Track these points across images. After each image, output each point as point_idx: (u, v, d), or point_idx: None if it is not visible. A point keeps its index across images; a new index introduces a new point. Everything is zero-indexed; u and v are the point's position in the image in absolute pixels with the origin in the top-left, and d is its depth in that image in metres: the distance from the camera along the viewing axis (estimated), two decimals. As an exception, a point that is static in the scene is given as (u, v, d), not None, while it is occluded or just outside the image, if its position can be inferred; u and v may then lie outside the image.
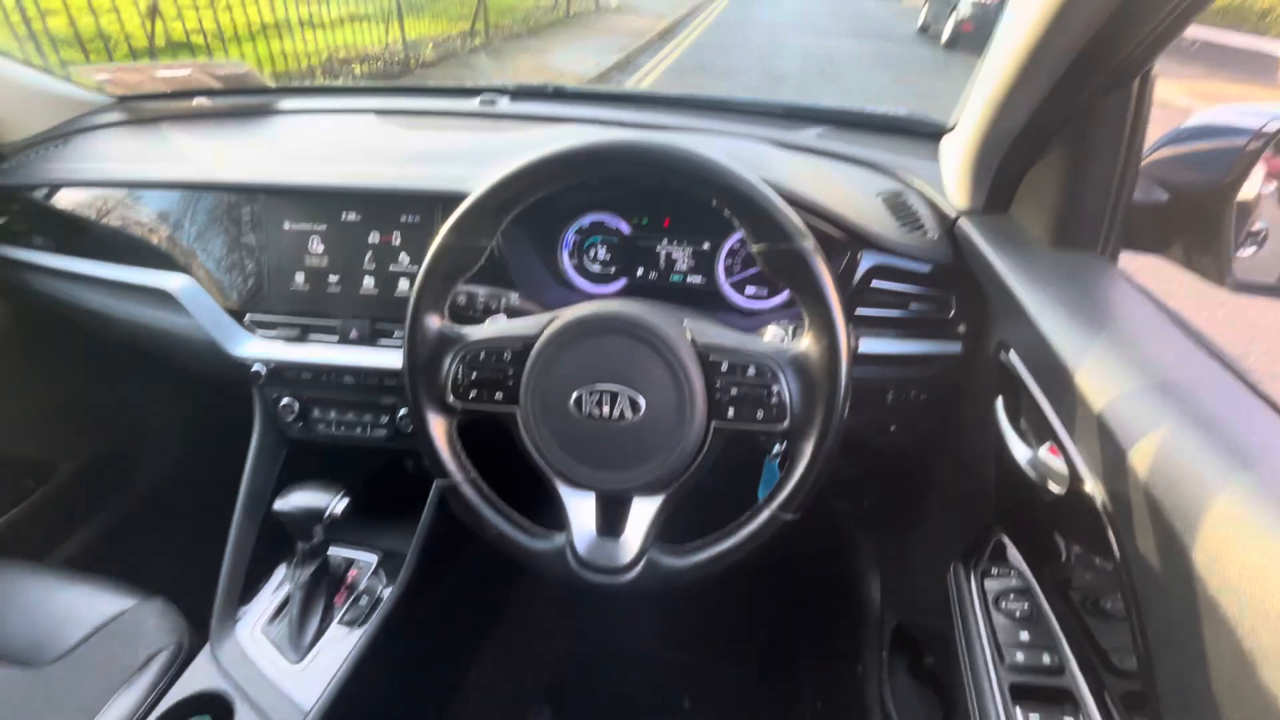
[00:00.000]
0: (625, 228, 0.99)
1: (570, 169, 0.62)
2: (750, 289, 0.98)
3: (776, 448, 0.80)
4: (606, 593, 0.67)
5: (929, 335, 0.86)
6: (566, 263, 1.01)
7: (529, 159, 0.62)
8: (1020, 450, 0.68)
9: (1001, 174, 0.80)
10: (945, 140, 1.04)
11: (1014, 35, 0.65)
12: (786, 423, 0.62)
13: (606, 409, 0.64)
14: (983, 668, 0.66)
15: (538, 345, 0.65)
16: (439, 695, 1.20)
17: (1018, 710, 0.61)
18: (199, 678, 0.85)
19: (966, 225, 0.83)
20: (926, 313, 0.86)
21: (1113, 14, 0.56)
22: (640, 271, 1.00)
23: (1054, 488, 0.61)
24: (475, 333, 0.69)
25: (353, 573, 1.00)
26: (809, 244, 0.59)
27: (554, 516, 0.70)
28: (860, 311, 0.87)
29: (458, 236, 0.65)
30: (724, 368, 0.63)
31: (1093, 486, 0.54)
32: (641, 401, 0.63)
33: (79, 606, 0.93)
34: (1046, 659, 0.64)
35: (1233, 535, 0.39)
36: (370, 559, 1.02)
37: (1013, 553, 0.75)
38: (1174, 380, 0.52)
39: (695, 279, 0.99)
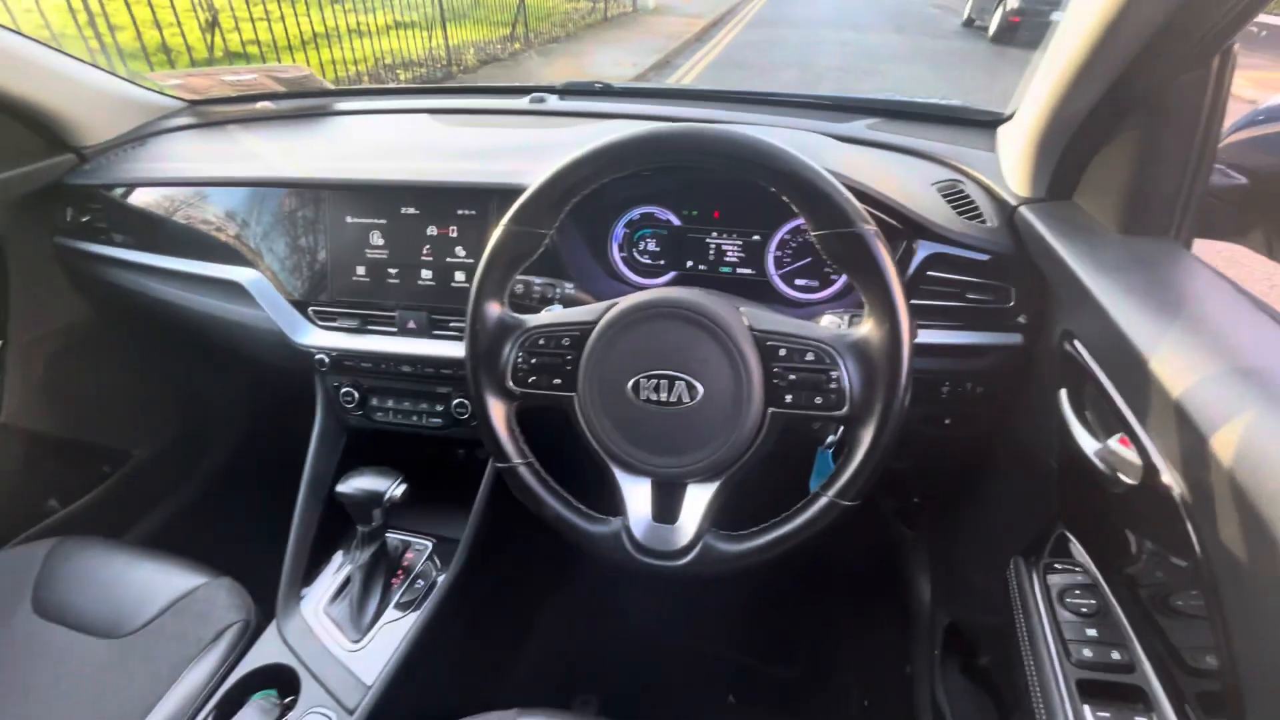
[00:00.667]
0: (675, 220, 1.00)
1: (632, 156, 0.63)
2: (800, 281, 0.98)
3: (830, 438, 0.79)
4: (661, 577, 0.68)
5: (987, 326, 0.85)
6: (616, 255, 1.02)
7: (591, 147, 0.63)
8: (1087, 442, 0.66)
9: (1066, 160, 0.78)
10: (1002, 129, 1.02)
11: (1086, 11, 0.63)
12: (845, 409, 0.62)
13: (664, 394, 0.64)
14: (1047, 664, 0.64)
15: (596, 331, 0.67)
16: (488, 679, 1.22)
17: (1086, 708, 0.60)
18: (266, 652, 0.89)
19: (1028, 213, 0.81)
20: (985, 303, 0.84)
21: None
22: (690, 264, 1.00)
23: (1126, 479, 0.59)
24: (534, 320, 0.70)
25: (408, 556, 1.03)
26: (870, 228, 0.59)
27: (609, 502, 0.71)
28: (916, 302, 0.86)
29: (520, 224, 0.67)
30: (782, 353, 0.63)
31: (1169, 477, 0.52)
32: (699, 387, 0.64)
33: (153, 583, 0.98)
34: (1116, 655, 0.62)
35: None
36: (424, 544, 1.05)
37: (1076, 548, 0.73)
38: (1257, 365, 0.50)
39: (745, 271, 0.99)
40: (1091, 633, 0.64)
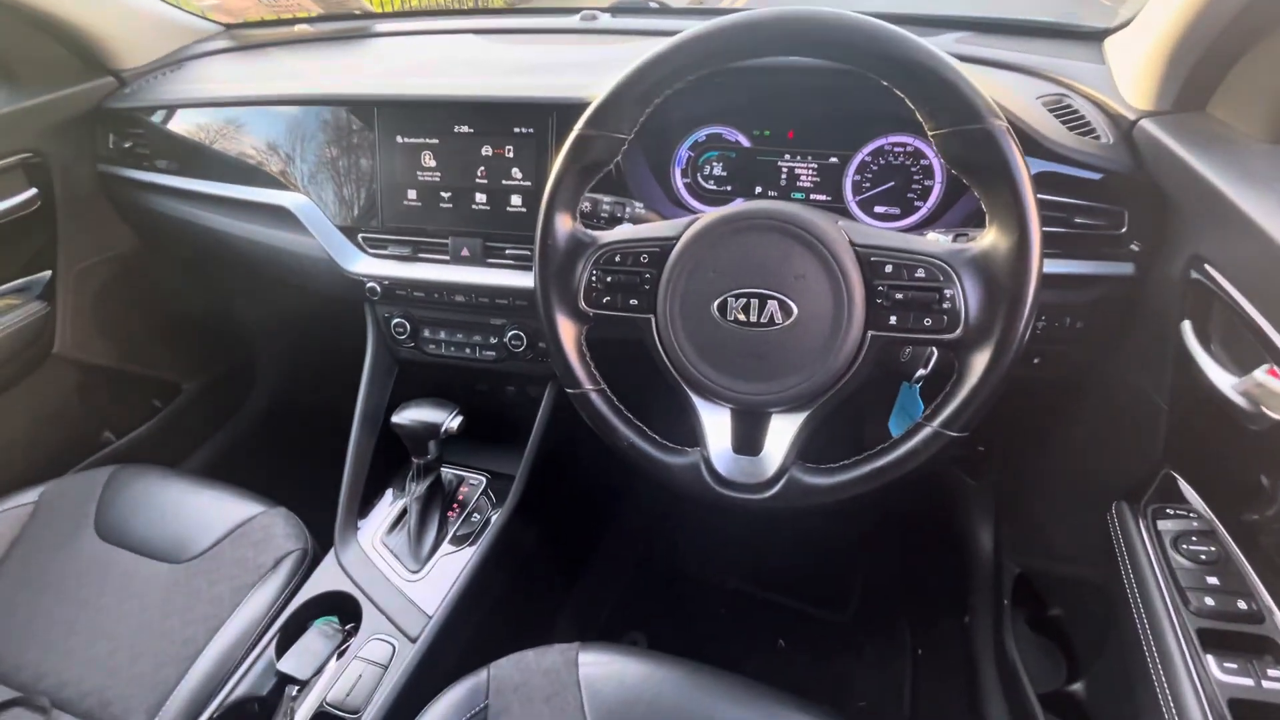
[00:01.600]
0: (744, 141, 0.93)
1: (726, 47, 0.56)
2: (879, 208, 0.90)
3: (920, 371, 0.73)
4: (743, 510, 0.64)
5: (1095, 255, 0.77)
6: (679, 180, 0.96)
7: (679, 38, 0.57)
8: (1220, 377, 0.59)
9: (1202, 67, 0.69)
10: (1112, 40, 0.92)
11: None
12: (958, 331, 0.56)
13: (754, 315, 0.59)
14: (1162, 613, 0.60)
15: (679, 245, 0.61)
16: (540, 615, 1.22)
17: (1209, 658, 0.55)
18: (326, 580, 0.89)
19: (1151, 127, 0.72)
20: (1094, 228, 0.76)
21: None
22: (758, 189, 0.94)
23: (1273, 415, 0.53)
24: (610, 235, 0.65)
25: (463, 490, 1.01)
26: (1002, 123, 0.52)
27: (683, 432, 0.67)
28: None
29: (597, 128, 0.61)
30: (888, 269, 0.57)
31: None
32: (793, 306, 0.59)
33: (211, 510, 0.98)
34: (1242, 605, 0.57)
35: None
36: (478, 479, 1.04)
37: (1188, 491, 0.67)
38: None
39: (820, 197, 0.92)
40: (1212, 580, 0.59)
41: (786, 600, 1.37)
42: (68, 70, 1.14)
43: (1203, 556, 0.61)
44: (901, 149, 0.87)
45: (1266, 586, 0.57)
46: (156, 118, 1.13)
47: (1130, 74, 0.80)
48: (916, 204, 0.89)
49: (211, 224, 1.10)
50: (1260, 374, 0.55)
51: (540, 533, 1.11)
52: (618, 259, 0.64)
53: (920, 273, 0.56)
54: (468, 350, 0.99)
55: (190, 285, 1.42)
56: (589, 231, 0.66)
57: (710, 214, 0.61)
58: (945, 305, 0.56)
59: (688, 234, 0.61)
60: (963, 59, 0.94)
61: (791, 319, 0.59)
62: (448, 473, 1.03)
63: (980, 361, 0.56)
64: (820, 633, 1.33)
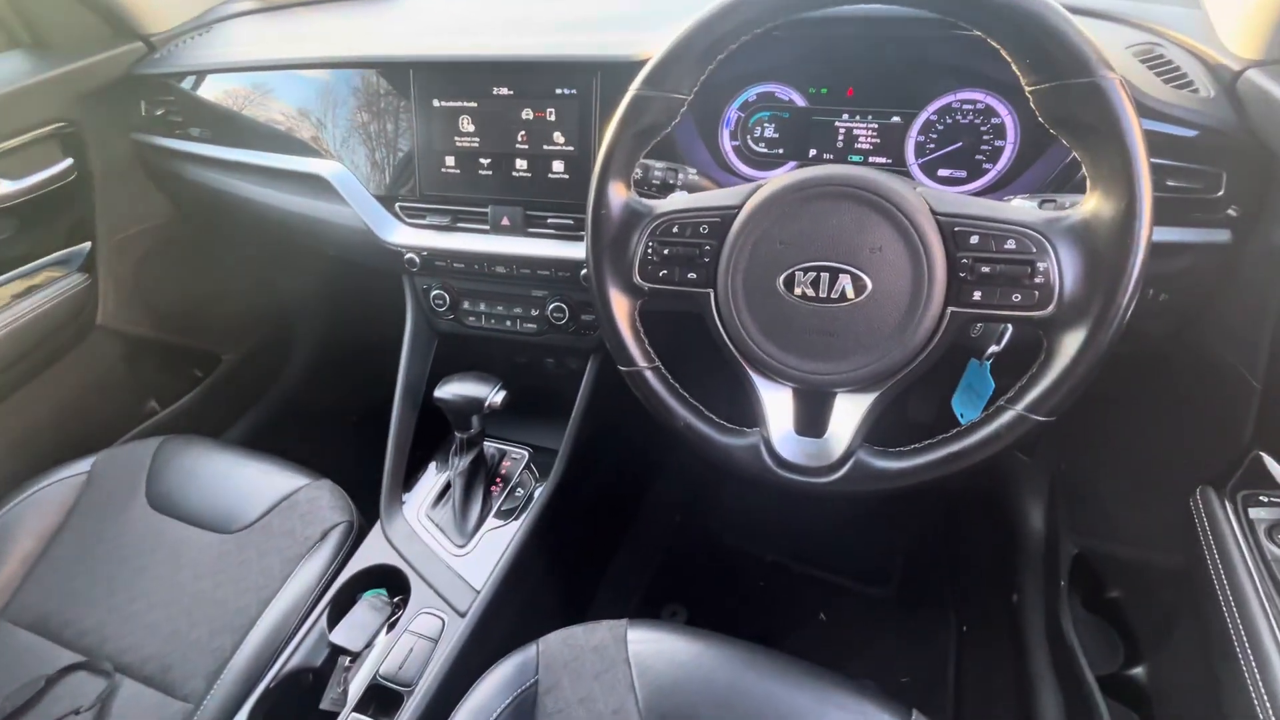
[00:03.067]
0: (799, 100, 0.87)
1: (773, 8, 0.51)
2: (944, 171, 0.84)
3: (992, 348, 0.69)
4: (805, 494, 0.61)
5: (1188, 220, 0.71)
6: (727, 144, 0.91)
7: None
8: None
9: None
10: None
11: None
12: (1051, 308, 0.52)
13: (823, 290, 0.56)
14: (1256, 607, 0.56)
15: (742, 215, 0.57)
16: (584, 588, 1.23)
17: None
18: (373, 553, 0.89)
19: (1260, 78, 0.65)
20: (1188, 191, 0.70)
21: None
22: (813, 152, 0.88)
23: None
24: (666, 205, 0.61)
25: (506, 464, 1.00)
26: (1114, 77, 0.47)
27: (740, 411, 0.64)
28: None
29: (654, 88, 0.57)
30: (974, 240, 0.53)
31: None
32: (867, 281, 0.55)
33: (258, 482, 0.99)
34: None
35: None
36: (521, 453, 1.03)
37: None
38: None
39: (879, 159, 0.86)
40: None
41: (826, 574, 1.35)
42: (97, 36, 1.12)
43: None
44: (971, 106, 0.81)
45: None
46: (187, 84, 1.10)
47: (1233, 20, 0.72)
48: (985, 166, 0.82)
49: (246, 193, 1.08)
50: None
51: (582, 506, 1.11)
52: (675, 230, 0.60)
53: (1010, 244, 0.52)
54: (508, 322, 0.97)
55: (228, 255, 1.41)
56: (644, 201, 0.62)
57: (776, 179, 0.57)
58: (1038, 280, 0.52)
59: (752, 202, 0.57)
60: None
61: (865, 294, 0.55)
62: (490, 447, 1.02)
63: (1074, 341, 0.51)
64: (862, 607, 1.31)
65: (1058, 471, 1.14)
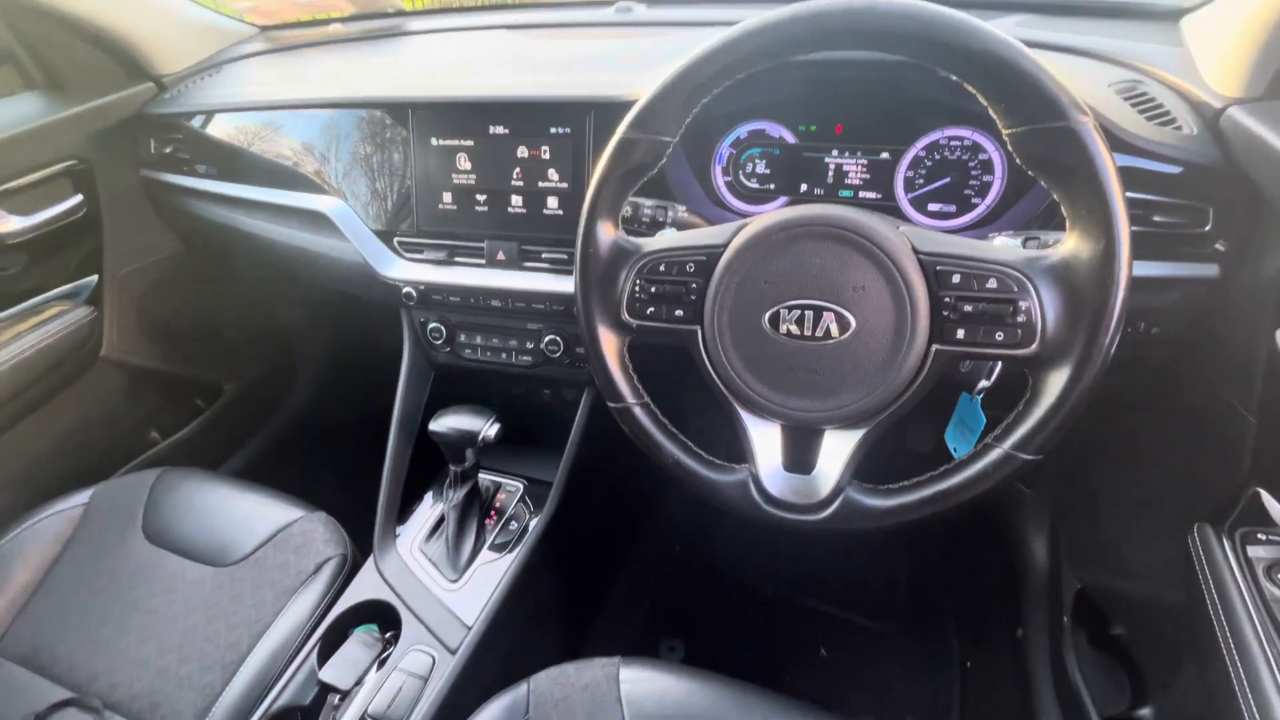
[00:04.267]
0: (789, 137, 0.88)
1: (782, 43, 0.52)
2: (934, 206, 0.85)
3: (982, 383, 0.69)
4: (794, 531, 0.61)
5: (1175, 255, 0.71)
6: (719, 179, 0.92)
7: (730, 34, 0.53)
8: None
9: None
10: (1190, 20, 0.85)
11: None
12: (1034, 346, 0.52)
13: (808, 328, 0.56)
14: (1256, 649, 0.55)
15: (727, 254, 0.58)
16: (579, 622, 1.21)
17: None
18: (366, 588, 0.88)
19: (1241, 115, 0.66)
20: (1174, 227, 0.71)
21: None
22: (804, 187, 0.89)
23: None
24: (653, 243, 0.62)
25: (500, 497, 1.00)
26: (1088, 121, 0.47)
27: (730, 447, 0.64)
28: None
29: (640, 131, 0.58)
30: (955, 279, 0.53)
31: None
32: (851, 319, 0.55)
33: (254, 514, 0.99)
34: None
35: None
36: (515, 485, 1.02)
37: (1278, 513, 0.62)
38: None
39: (869, 194, 0.87)
40: None
41: (828, 606, 1.33)
42: (110, 77, 1.15)
43: None
44: (958, 143, 0.82)
45: None
46: (196, 122, 1.13)
47: (1215, 57, 0.73)
48: (974, 201, 0.83)
49: (250, 228, 1.10)
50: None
51: (577, 538, 1.10)
52: (662, 268, 0.61)
53: (991, 283, 0.52)
54: (504, 355, 0.98)
55: (231, 287, 1.43)
56: (632, 239, 0.63)
57: (760, 219, 0.58)
58: (1019, 318, 0.52)
59: (736, 241, 0.58)
60: (1026, 43, 0.89)
61: (849, 332, 0.55)
62: (485, 479, 1.02)
63: (1058, 380, 0.51)
64: (864, 641, 1.29)
65: (1059, 503, 1.12)
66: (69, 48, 1.10)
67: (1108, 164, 0.47)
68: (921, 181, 0.85)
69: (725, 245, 0.58)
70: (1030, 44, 0.89)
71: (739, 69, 0.54)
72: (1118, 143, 0.70)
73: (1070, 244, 0.51)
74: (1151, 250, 0.72)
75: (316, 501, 1.00)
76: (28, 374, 1.09)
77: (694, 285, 0.60)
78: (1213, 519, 0.66)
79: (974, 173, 0.83)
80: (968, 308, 0.53)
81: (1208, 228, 0.70)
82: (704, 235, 0.61)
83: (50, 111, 1.09)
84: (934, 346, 0.55)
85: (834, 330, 0.55)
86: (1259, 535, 0.62)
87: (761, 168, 0.91)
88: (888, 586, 1.36)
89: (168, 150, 1.17)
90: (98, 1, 1.06)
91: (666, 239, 0.62)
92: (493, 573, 0.89)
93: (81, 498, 1.02)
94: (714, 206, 0.92)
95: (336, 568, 0.91)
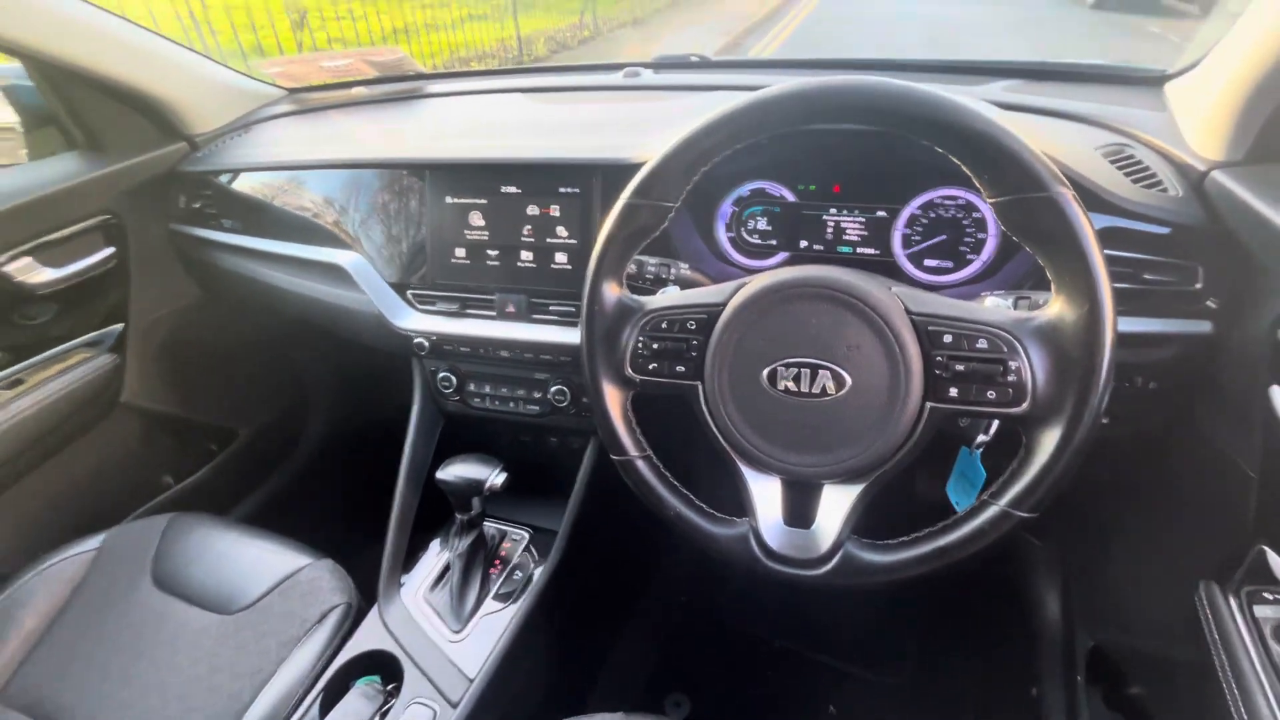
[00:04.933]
0: (789, 195, 0.92)
1: (773, 118, 0.56)
2: (930, 262, 0.88)
3: (980, 438, 0.70)
4: (794, 585, 0.61)
5: (1168, 312, 0.73)
6: (722, 235, 0.95)
7: (728, 108, 0.57)
8: None
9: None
10: (1173, 86, 0.89)
11: None
12: (1025, 405, 0.53)
13: (805, 385, 0.58)
14: (1265, 709, 0.54)
15: (726, 313, 0.60)
16: (584, 675, 1.19)
17: None
18: (369, 638, 0.88)
19: (1224, 179, 0.69)
20: (1165, 284, 0.73)
21: None
22: (804, 244, 0.92)
23: None
24: (656, 301, 0.65)
25: (506, 546, 1.01)
26: (1067, 191, 0.50)
27: (733, 501, 0.65)
28: None
29: (643, 198, 0.61)
30: (947, 339, 0.55)
31: None
32: (846, 378, 0.57)
33: (261, 562, 1.00)
34: None
35: None
36: (521, 534, 1.03)
37: None
38: None
39: (867, 251, 0.90)
40: None
41: (837, 661, 1.30)
42: (146, 137, 1.22)
43: None
44: (952, 202, 0.85)
45: None
46: (224, 179, 1.19)
47: (1198, 122, 0.76)
48: (970, 257, 0.86)
49: (270, 279, 1.14)
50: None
51: (582, 589, 1.09)
52: (664, 325, 0.63)
53: (982, 343, 0.54)
54: (512, 404, 1.00)
55: (249, 336, 1.47)
56: (635, 297, 0.65)
57: (758, 280, 0.60)
58: (1010, 378, 0.53)
59: (735, 300, 0.60)
60: (1014, 108, 0.93)
61: (845, 390, 0.57)
62: (490, 528, 1.02)
63: (1050, 438, 0.52)
64: (874, 697, 1.26)
65: (1071, 558, 1.11)
66: (109, 110, 1.16)
67: (1087, 231, 0.49)
68: (918, 238, 0.88)
69: (724, 304, 0.61)
70: (1021, 108, 0.94)
71: (737, 140, 0.58)
72: (1105, 205, 0.72)
73: (1056, 307, 0.53)
74: (1145, 308, 0.74)
75: (326, 548, 1.01)
76: (49, 419, 1.12)
77: (695, 342, 0.62)
78: (1219, 576, 0.66)
79: (968, 230, 0.85)
80: (959, 367, 0.55)
81: (1198, 285, 0.72)
82: (704, 294, 0.63)
83: (89, 169, 1.15)
84: (928, 404, 0.56)
85: (830, 388, 0.57)
86: (1265, 594, 0.61)
87: (763, 225, 0.94)
88: (899, 641, 1.33)
89: (196, 205, 1.22)
90: (138, 67, 1.13)
91: (668, 297, 0.65)
92: (496, 623, 0.89)
93: (93, 543, 1.03)
94: (717, 262, 0.95)
95: (341, 616, 0.91)
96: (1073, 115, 0.88)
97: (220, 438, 1.48)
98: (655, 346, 0.63)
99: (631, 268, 0.79)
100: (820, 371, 0.57)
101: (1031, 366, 0.53)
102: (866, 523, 0.61)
